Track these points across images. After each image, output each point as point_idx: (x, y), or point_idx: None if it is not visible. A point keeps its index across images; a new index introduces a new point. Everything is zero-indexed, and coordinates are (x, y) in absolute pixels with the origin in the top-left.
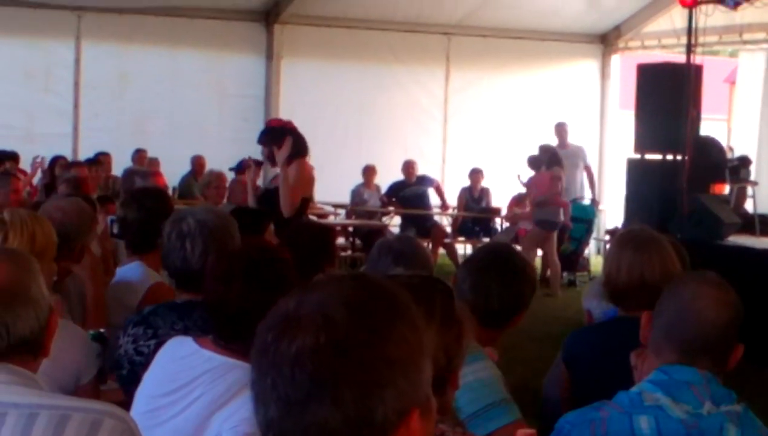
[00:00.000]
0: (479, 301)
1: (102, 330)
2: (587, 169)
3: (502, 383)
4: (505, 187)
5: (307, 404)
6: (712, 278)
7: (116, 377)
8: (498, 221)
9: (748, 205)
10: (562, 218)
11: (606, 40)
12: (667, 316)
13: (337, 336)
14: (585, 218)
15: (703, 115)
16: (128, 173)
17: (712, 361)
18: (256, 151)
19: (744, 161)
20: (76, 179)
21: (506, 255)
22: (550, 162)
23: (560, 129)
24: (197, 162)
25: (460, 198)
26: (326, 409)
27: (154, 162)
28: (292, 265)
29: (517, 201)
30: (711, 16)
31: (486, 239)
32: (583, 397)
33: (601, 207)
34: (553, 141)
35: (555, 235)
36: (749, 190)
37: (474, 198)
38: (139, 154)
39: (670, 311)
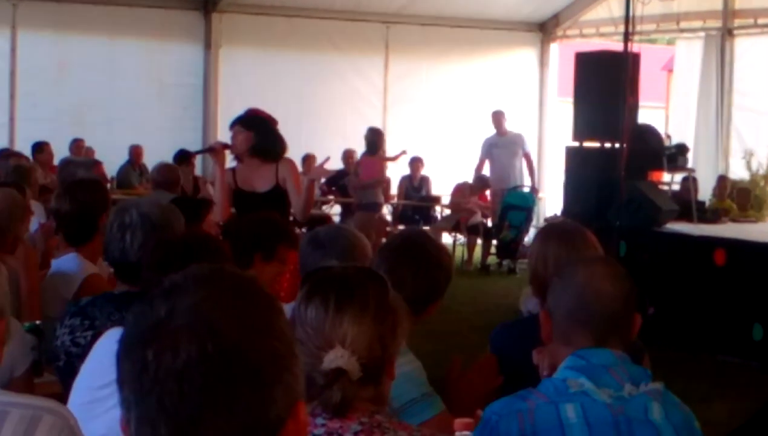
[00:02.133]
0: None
1: (37, 322)
2: (526, 156)
3: (423, 376)
4: (445, 176)
5: (201, 418)
6: (597, 256)
7: (53, 369)
8: (438, 209)
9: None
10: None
11: (544, 29)
12: (568, 303)
13: (223, 343)
14: (524, 205)
15: (642, 103)
16: (64, 163)
17: (620, 338)
18: (196, 141)
19: (681, 149)
20: (23, 169)
21: (420, 242)
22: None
23: (497, 117)
24: (135, 152)
25: (400, 187)
26: (222, 419)
27: (90, 152)
28: (230, 254)
29: (460, 189)
30: (649, 5)
31: (427, 228)
32: (512, 391)
33: (540, 195)
34: (492, 129)
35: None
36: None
37: (414, 187)
38: (76, 144)
39: (569, 299)
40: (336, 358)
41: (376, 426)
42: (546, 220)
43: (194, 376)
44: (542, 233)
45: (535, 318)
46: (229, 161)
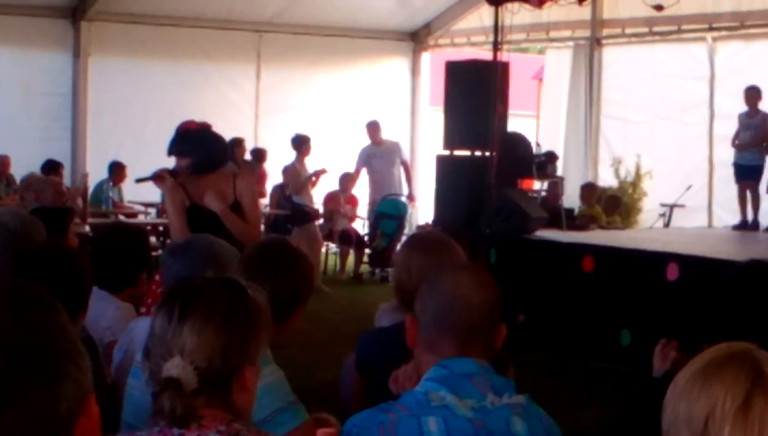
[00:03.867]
0: None
1: None
2: (404, 164)
3: (287, 386)
4: (318, 185)
5: None
6: (466, 264)
7: None
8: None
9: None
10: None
11: (416, 38)
12: (434, 310)
13: (7, 342)
14: (396, 214)
15: (514, 111)
16: None
17: (485, 346)
18: (64, 150)
19: (550, 157)
20: None
21: (278, 249)
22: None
23: (371, 128)
24: (2, 162)
25: (272, 196)
26: (12, 416)
27: None
28: (87, 265)
29: (332, 197)
30: (519, 15)
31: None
32: (378, 401)
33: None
34: (367, 139)
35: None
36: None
37: (286, 196)
38: None
39: (435, 305)
40: (172, 367)
41: (234, 434)
42: (417, 228)
43: None
44: (407, 243)
45: (401, 325)
46: None
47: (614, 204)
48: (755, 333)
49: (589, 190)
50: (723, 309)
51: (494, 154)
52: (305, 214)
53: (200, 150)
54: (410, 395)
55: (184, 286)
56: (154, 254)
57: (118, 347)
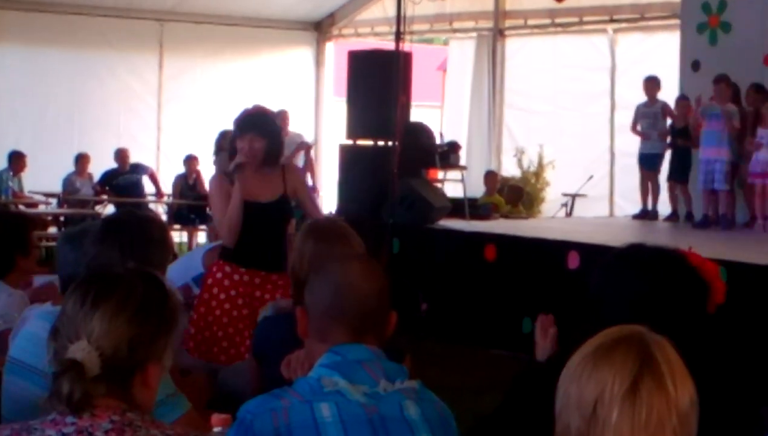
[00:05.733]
0: None
1: None
2: (307, 155)
3: (168, 378)
4: None
5: None
6: (353, 253)
7: None
8: None
9: (458, 190)
10: None
11: (320, 28)
12: (324, 300)
13: None
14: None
15: (420, 102)
16: None
17: (376, 334)
18: None
19: (453, 147)
20: None
21: (125, 218)
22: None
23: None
24: None
25: (176, 185)
26: None
27: None
28: None
29: None
30: (422, 5)
31: (203, 227)
32: (273, 387)
33: (319, 193)
34: None
35: None
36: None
37: (189, 185)
38: None
39: (324, 294)
40: (77, 350)
41: (127, 424)
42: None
43: None
44: (303, 230)
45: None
46: None
47: (517, 195)
48: (634, 315)
49: (491, 178)
50: (600, 292)
51: (397, 144)
52: None
53: (272, 137)
54: (303, 381)
55: (103, 273)
56: (54, 243)
57: (12, 336)
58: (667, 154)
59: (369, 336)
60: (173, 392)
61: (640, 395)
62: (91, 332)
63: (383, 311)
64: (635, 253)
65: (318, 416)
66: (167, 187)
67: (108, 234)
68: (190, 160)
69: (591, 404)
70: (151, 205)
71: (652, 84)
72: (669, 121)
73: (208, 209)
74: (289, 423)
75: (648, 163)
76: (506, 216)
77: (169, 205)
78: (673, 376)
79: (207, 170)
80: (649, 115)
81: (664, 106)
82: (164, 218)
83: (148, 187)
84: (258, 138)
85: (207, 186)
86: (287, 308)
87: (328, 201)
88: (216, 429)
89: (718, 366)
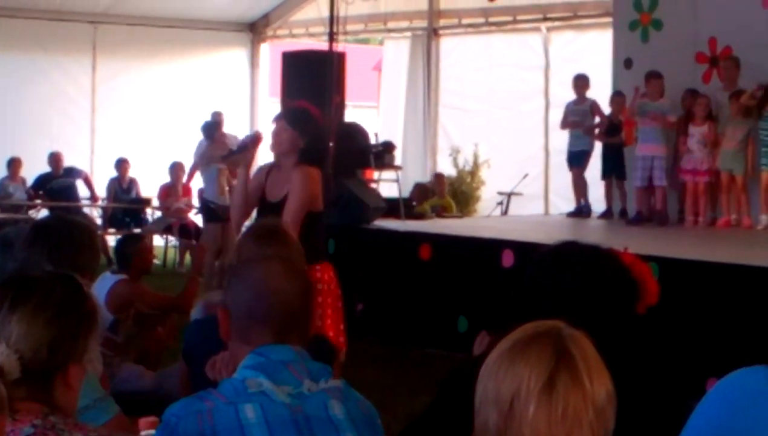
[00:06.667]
0: None
1: None
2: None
3: (96, 381)
4: (154, 177)
5: None
6: (274, 254)
7: None
8: (149, 211)
9: (393, 190)
10: None
11: (254, 29)
12: (246, 301)
13: None
14: None
15: (356, 102)
16: None
17: (299, 335)
18: None
19: (388, 147)
20: None
21: (52, 224)
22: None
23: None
24: None
25: (110, 189)
26: None
27: None
28: None
29: (167, 190)
30: (356, 5)
31: (137, 230)
32: (200, 389)
33: None
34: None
35: None
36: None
37: (123, 189)
38: None
39: (246, 295)
40: None
41: (50, 428)
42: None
43: None
44: (245, 231)
45: None
46: None
47: (423, 194)
48: (563, 312)
49: (439, 180)
50: (532, 288)
51: (331, 144)
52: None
53: (308, 133)
54: (228, 382)
55: (22, 277)
56: None
57: None
58: (597, 152)
59: (292, 337)
60: (102, 396)
61: (557, 390)
62: (10, 335)
63: (306, 311)
64: (567, 250)
65: (243, 417)
66: (102, 191)
67: (36, 239)
68: (122, 164)
69: (508, 399)
70: (86, 209)
71: (581, 82)
72: (597, 119)
73: (143, 213)
74: (214, 425)
75: (576, 161)
76: (442, 216)
77: (104, 209)
78: (589, 371)
79: (141, 173)
80: (578, 113)
81: (593, 104)
82: (99, 221)
83: (83, 190)
84: (286, 127)
85: (140, 189)
86: (218, 303)
87: None
88: (143, 432)
89: (643, 361)
